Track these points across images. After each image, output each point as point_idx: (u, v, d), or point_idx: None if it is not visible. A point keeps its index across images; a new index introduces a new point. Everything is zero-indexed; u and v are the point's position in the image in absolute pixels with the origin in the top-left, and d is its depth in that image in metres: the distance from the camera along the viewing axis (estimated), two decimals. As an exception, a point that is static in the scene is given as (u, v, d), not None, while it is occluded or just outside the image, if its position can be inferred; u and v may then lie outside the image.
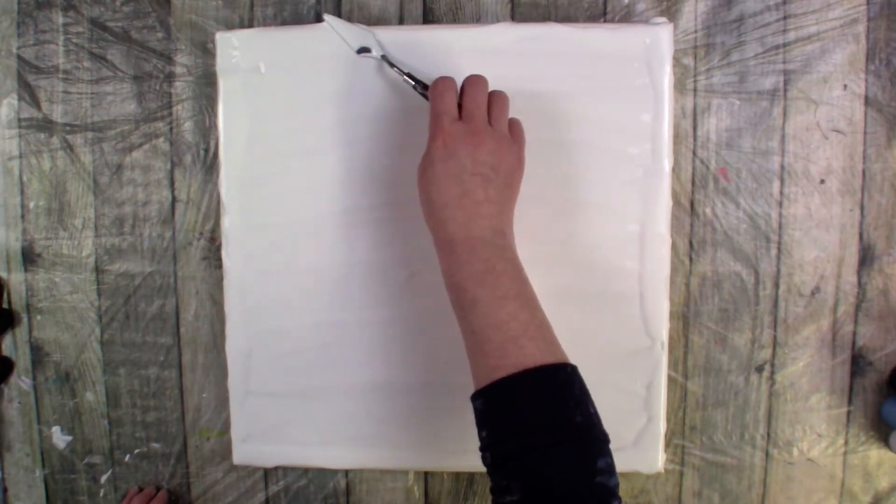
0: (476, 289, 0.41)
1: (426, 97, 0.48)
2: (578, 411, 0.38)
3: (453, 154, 0.42)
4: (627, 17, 0.54)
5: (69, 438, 0.60)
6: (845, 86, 0.53)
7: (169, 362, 0.59)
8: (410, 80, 0.49)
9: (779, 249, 0.54)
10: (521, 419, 0.38)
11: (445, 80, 0.45)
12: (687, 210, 0.55)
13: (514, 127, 0.47)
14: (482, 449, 0.40)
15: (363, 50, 0.51)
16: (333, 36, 0.52)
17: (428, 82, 0.47)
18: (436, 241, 0.44)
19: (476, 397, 0.41)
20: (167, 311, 0.58)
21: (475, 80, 0.45)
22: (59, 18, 0.57)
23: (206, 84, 0.56)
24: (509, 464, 0.38)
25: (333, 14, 0.54)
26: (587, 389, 0.40)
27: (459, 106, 0.45)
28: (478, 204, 0.42)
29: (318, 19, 0.55)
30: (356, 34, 0.51)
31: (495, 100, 0.45)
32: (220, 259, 0.55)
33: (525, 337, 0.39)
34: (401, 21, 0.55)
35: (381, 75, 0.52)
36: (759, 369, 0.55)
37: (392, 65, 0.50)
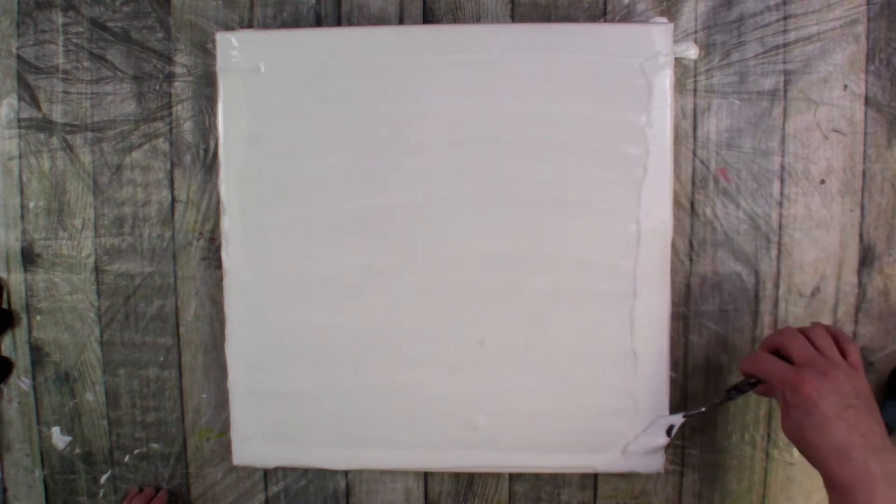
0: None
1: (747, 389, 0.49)
2: None
3: (822, 398, 0.43)
4: (627, 17, 0.54)
5: (69, 439, 0.60)
6: (845, 86, 0.53)
7: (169, 363, 0.59)
8: (735, 392, 0.49)
9: (779, 250, 0.54)
10: None
11: (764, 354, 0.46)
12: (687, 210, 0.55)
13: (853, 354, 0.46)
14: None
15: (670, 429, 0.52)
16: (333, 36, 0.53)
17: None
18: (829, 482, 0.44)
19: None
20: (167, 311, 0.58)
21: (816, 330, 0.46)
22: (59, 18, 0.57)
23: (206, 84, 0.56)
24: None
25: (332, 14, 0.54)
26: None
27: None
28: (865, 435, 0.42)
29: (318, 20, 0.55)
30: (656, 428, 0.52)
31: (817, 338, 0.46)
32: (219, 259, 0.55)
33: None
34: (401, 21, 0.55)
35: (382, 76, 0.52)
36: (760, 369, 0.55)
37: (706, 409, 0.51)
